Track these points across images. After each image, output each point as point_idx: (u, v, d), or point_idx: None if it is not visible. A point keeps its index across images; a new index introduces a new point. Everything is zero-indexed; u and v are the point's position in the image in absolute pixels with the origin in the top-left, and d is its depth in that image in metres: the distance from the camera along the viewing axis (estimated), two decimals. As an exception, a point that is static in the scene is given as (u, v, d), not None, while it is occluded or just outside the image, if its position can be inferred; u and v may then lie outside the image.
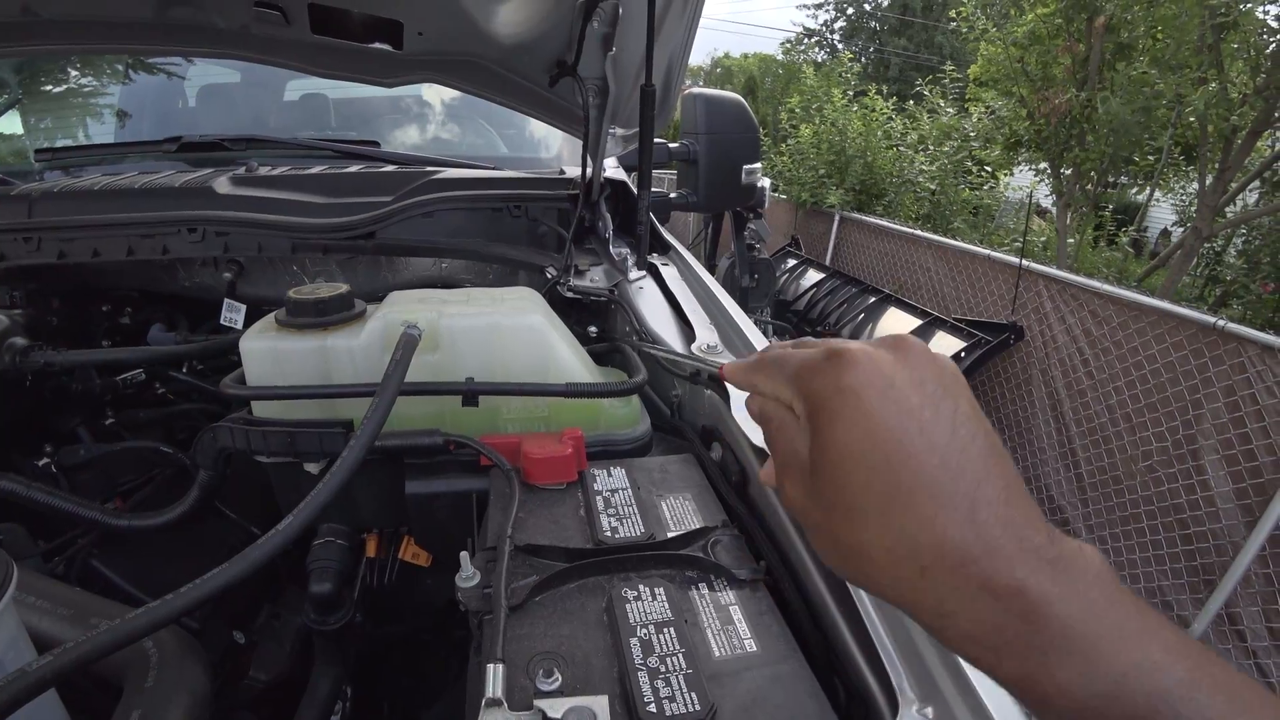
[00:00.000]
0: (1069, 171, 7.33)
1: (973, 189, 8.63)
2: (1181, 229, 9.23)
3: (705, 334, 1.20)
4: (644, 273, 1.55)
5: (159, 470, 1.45)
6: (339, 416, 0.98)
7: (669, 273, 1.55)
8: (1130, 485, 3.88)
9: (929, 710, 0.58)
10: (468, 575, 0.71)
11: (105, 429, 1.50)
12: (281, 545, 0.69)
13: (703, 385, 1.11)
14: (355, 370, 0.97)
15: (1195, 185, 7.00)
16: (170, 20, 1.37)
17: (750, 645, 0.66)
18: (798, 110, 9.35)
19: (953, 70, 9.47)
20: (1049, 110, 7.03)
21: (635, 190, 1.78)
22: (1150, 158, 8.03)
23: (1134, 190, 11.74)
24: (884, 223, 6.83)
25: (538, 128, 2.43)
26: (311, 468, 1.01)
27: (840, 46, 28.26)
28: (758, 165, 2.70)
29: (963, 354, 4.73)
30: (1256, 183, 6.80)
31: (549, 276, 1.45)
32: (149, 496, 1.39)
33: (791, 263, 7.15)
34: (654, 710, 0.56)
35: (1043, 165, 7.97)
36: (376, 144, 1.93)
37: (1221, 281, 7.29)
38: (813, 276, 6.68)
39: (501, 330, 1.00)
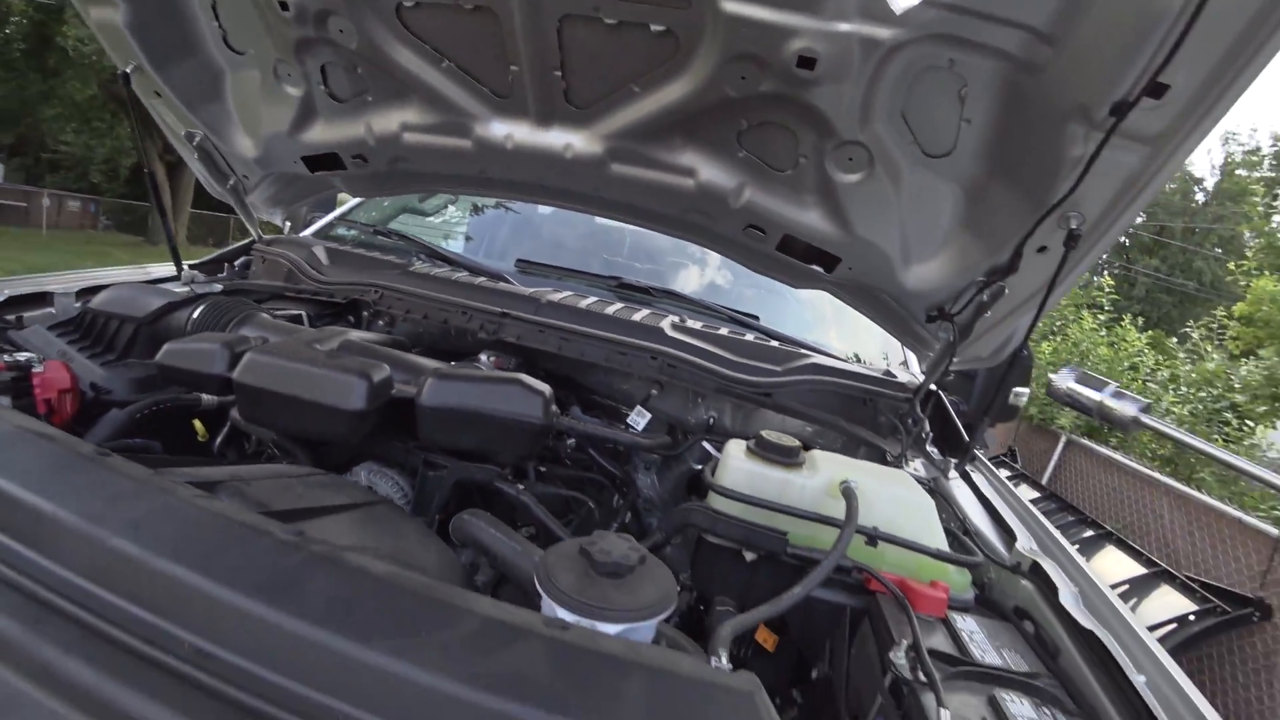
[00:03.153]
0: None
1: (1227, 441, 8.03)
2: None
3: (1024, 539, 1.59)
4: (957, 475, 1.97)
5: (572, 515, 2.02)
6: (775, 526, 1.47)
7: (978, 479, 1.96)
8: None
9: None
10: (901, 665, 1.15)
11: (539, 475, 2.10)
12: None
13: (1021, 575, 1.50)
14: (800, 500, 1.48)
15: None
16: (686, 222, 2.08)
17: None
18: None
19: (1224, 315, 9.08)
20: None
21: (946, 402, 2.24)
22: None
23: None
24: (1118, 456, 6.62)
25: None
26: (749, 556, 1.51)
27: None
28: (1026, 390, 3.09)
29: (1191, 618, 4.43)
30: None
31: (889, 459, 1.92)
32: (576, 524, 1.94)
33: (1005, 474, 7.05)
34: None
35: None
36: (757, 318, 2.51)
37: None
38: (1026, 493, 6.58)
39: (902, 500, 1.47)
